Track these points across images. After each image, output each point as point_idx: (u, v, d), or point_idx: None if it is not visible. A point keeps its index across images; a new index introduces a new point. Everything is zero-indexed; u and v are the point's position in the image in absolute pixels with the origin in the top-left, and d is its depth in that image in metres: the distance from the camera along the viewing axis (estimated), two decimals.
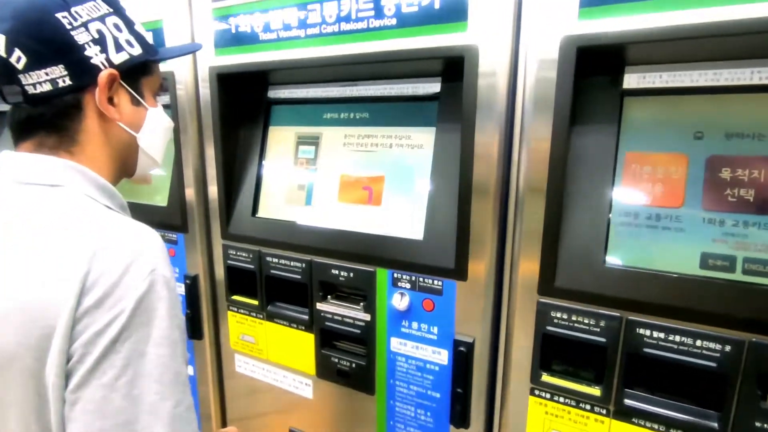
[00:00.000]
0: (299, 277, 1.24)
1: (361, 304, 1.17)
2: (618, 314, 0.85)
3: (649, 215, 0.86)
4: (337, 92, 1.23)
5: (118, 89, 0.76)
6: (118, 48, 0.75)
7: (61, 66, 0.69)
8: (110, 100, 0.75)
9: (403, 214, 1.12)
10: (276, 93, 1.34)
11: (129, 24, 0.78)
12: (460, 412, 1.05)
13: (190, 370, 1.56)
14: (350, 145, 1.23)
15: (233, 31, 1.22)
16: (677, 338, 0.81)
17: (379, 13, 1.01)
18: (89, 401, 0.59)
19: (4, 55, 0.67)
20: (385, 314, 1.13)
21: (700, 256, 0.81)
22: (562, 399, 0.93)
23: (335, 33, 1.07)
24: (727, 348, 0.77)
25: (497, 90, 0.92)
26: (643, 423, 0.86)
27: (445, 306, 1.04)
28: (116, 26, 0.75)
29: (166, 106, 1.34)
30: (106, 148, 0.78)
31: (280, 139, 1.34)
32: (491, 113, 0.93)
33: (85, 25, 0.71)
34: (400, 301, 1.07)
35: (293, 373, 1.34)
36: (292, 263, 1.24)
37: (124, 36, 0.76)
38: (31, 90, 0.69)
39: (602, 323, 0.87)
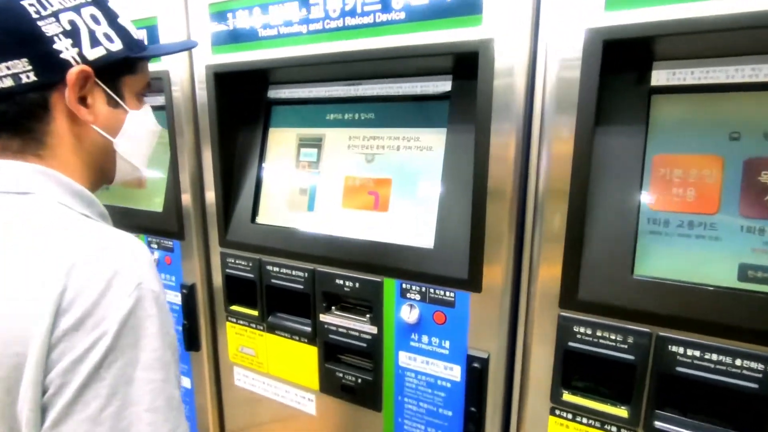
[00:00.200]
0: (301, 286, 1.18)
1: (368, 315, 1.12)
2: (647, 330, 0.80)
3: (681, 222, 0.80)
4: (341, 91, 1.19)
5: (93, 88, 0.69)
6: (94, 42, 0.68)
7: (24, 60, 0.62)
8: (83, 100, 0.68)
9: (412, 221, 1.07)
10: (276, 93, 1.29)
11: (110, 16, 0.71)
12: None
13: (187, 383, 1.51)
14: (355, 147, 1.17)
15: (231, 27, 1.17)
16: (714, 356, 0.75)
17: (386, 6, 0.95)
18: None
19: None
20: (393, 327, 1.07)
21: (738, 267, 0.76)
22: (585, 420, 0.88)
23: (339, 28, 1.02)
24: None
25: (514, 87, 0.86)
26: None
27: (458, 319, 0.98)
28: (94, 18, 0.68)
29: (160, 108, 1.29)
30: (80, 152, 0.70)
31: (281, 141, 1.29)
32: (508, 112, 0.87)
33: (55, 14, 0.64)
34: (410, 314, 1.01)
35: (295, 388, 1.28)
36: (293, 272, 1.19)
37: (102, 29, 0.69)
38: None
39: (630, 339, 0.81)
